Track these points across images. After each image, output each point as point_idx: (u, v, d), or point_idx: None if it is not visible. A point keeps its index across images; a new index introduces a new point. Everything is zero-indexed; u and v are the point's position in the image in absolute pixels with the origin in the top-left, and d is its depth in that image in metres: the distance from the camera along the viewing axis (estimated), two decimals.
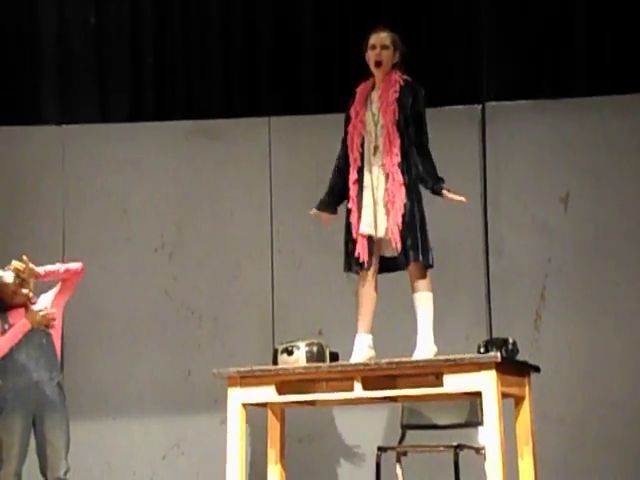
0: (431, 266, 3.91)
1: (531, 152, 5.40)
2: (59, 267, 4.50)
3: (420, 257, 3.85)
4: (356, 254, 3.92)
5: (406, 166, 3.90)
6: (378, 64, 3.97)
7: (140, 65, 5.82)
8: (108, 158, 5.63)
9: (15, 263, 4.42)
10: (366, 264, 3.91)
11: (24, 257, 4.42)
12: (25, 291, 4.42)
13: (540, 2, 5.53)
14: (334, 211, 4.16)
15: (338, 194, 4.10)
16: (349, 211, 3.99)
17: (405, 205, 3.85)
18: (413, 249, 3.84)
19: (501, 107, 5.45)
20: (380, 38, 3.98)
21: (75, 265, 4.51)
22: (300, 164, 5.53)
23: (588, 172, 5.36)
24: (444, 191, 3.92)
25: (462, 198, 3.95)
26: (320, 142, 5.48)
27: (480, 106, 5.43)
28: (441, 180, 3.92)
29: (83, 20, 5.81)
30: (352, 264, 3.96)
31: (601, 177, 5.35)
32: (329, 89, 5.61)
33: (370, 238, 3.93)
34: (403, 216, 3.84)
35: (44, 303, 4.48)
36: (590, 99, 5.38)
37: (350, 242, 3.97)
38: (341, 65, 5.58)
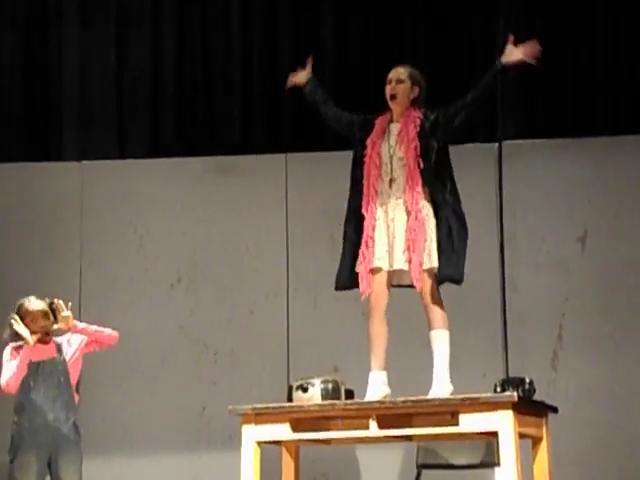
0: (440, 282, 3.86)
1: (548, 191, 5.40)
2: (96, 329, 4.51)
3: (440, 277, 3.82)
4: (361, 289, 3.89)
5: (429, 198, 3.89)
6: (392, 97, 4.00)
7: (159, 102, 5.88)
8: (126, 194, 5.67)
9: (60, 302, 4.45)
10: (376, 298, 3.89)
11: (69, 304, 4.46)
12: (43, 323, 4.44)
13: (559, 40, 5.56)
14: (307, 87, 4.19)
15: (327, 99, 4.14)
16: (354, 239, 3.95)
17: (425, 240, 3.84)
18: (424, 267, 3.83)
19: (518, 145, 5.46)
20: (396, 73, 4.02)
21: (113, 333, 4.54)
22: (317, 200, 5.55)
23: (606, 211, 5.34)
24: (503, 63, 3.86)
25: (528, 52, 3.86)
26: (337, 179, 5.47)
27: (497, 144, 5.44)
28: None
29: (103, 57, 5.88)
30: (344, 279, 3.93)
31: (619, 216, 5.33)
32: None
33: (373, 271, 3.90)
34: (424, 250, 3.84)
35: (66, 347, 4.51)
36: (608, 138, 5.38)
37: (345, 257, 3.94)
38: (360, 102, 5.62)
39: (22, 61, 5.90)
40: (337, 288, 4.00)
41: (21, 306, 4.47)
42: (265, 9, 5.85)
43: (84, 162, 5.74)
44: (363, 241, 3.92)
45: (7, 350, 4.48)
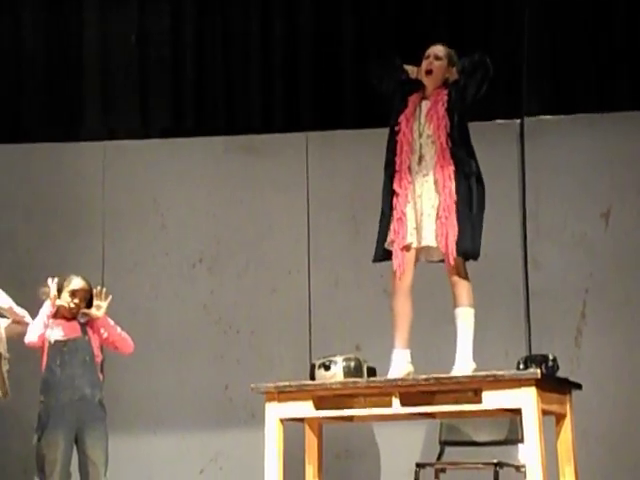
0: (464, 256, 3.85)
1: (571, 167, 5.35)
2: (119, 333, 4.55)
3: (456, 250, 3.81)
4: (394, 266, 3.89)
5: (458, 175, 3.90)
6: (428, 72, 4.02)
7: (180, 81, 5.88)
8: (148, 174, 5.68)
9: (103, 290, 4.52)
10: (402, 275, 3.88)
11: (109, 297, 4.51)
12: (78, 300, 4.48)
13: (581, 16, 5.50)
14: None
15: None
16: (388, 215, 3.95)
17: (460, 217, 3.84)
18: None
19: (541, 122, 5.41)
20: (434, 49, 4.05)
21: (131, 343, 4.57)
22: (338, 179, 5.54)
23: (630, 187, 5.30)
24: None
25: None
26: (358, 157, 5.49)
27: (519, 121, 5.40)
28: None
29: (125, 38, 5.88)
30: (382, 252, 3.94)
31: None
32: (367, 104, 5.61)
33: (405, 248, 3.91)
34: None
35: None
36: (631, 113, 5.32)
37: (382, 231, 3.94)
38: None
39: (44, 42, 5.91)
40: (374, 260, 4.02)
41: (66, 278, 4.53)
42: None
43: (106, 142, 5.75)
44: (395, 217, 3.93)
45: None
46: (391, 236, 3.93)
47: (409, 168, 3.94)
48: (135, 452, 5.37)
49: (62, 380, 4.41)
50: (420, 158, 3.93)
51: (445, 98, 3.94)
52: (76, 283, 4.53)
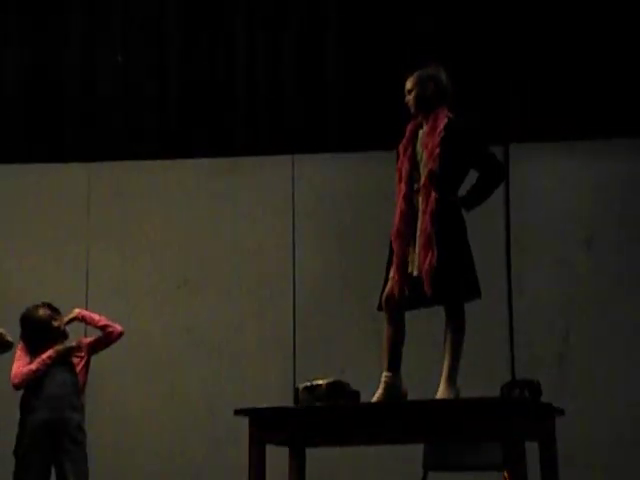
0: (458, 300, 3.84)
1: (555, 193, 5.40)
2: (100, 318, 4.54)
3: (446, 294, 3.82)
4: (390, 292, 3.85)
5: (440, 203, 3.84)
6: (410, 108, 4.01)
7: (166, 103, 5.90)
8: (132, 195, 5.68)
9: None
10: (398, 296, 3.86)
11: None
12: (56, 324, 4.46)
13: (566, 43, 5.56)
14: None
15: None
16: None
17: (442, 245, 3.81)
18: (443, 287, 3.81)
19: (525, 148, 5.46)
20: (407, 83, 3.99)
21: (117, 326, 4.55)
22: (323, 202, 5.56)
23: (612, 213, 5.34)
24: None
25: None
26: (343, 180, 5.51)
27: (504, 147, 5.44)
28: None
29: (110, 58, 5.90)
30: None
31: (626, 218, 5.33)
32: (353, 127, 5.65)
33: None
34: (438, 258, 3.80)
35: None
36: (615, 140, 5.38)
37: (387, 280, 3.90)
38: (365, 104, 5.63)
39: (28, 61, 5.92)
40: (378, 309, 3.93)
41: (32, 318, 4.49)
42: (270, 8, 5.87)
43: (91, 163, 5.75)
44: (393, 241, 3.89)
45: (18, 347, 4.51)
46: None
47: (407, 198, 3.89)
48: (117, 476, 5.33)
49: (41, 401, 4.38)
50: (418, 189, 3.87)
51: (442, 126, 3.84)
52: (41, 314, 4.49)
